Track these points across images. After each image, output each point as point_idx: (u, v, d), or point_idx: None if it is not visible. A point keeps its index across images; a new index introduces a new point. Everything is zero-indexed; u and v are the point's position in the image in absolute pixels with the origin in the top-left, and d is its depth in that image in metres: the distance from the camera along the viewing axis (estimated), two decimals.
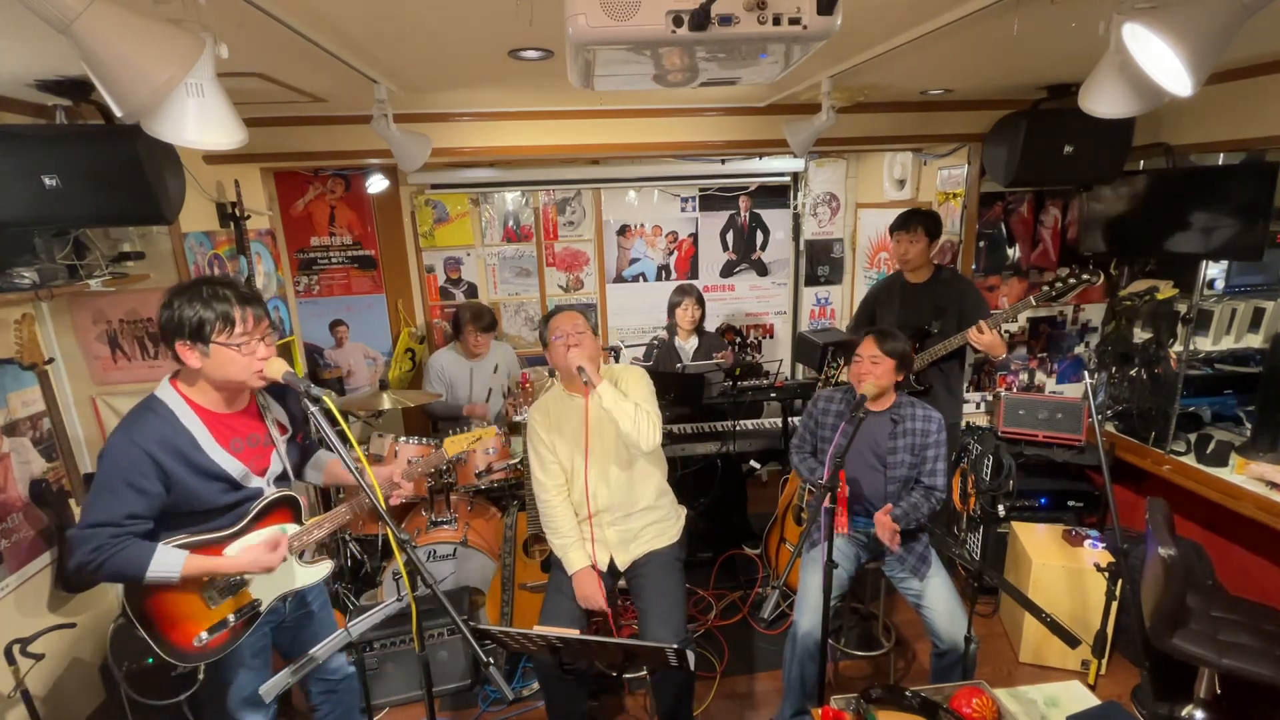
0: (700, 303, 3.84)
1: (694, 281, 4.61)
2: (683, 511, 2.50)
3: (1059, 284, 2.82)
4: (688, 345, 3.88)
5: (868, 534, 2.50)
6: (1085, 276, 2.77)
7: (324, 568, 1.92)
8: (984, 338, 2.80)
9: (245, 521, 1.76)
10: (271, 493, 1.81)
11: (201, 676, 2.06)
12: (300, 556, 1.89)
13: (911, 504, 2.40)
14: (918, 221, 3.08)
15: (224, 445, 1.70)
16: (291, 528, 1.84)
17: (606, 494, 2.31)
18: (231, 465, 1.71)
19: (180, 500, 1.65)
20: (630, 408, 2.17)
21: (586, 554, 2.32)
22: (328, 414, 1.58)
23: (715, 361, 3.73)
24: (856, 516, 2.53)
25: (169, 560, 1.61)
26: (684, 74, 1.45)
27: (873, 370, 2.41)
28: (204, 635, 1.72)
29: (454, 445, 2.35)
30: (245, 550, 1.72)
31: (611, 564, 2.35)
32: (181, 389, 1.69)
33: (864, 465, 2.50)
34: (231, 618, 1.76)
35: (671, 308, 3.88)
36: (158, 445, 1.59)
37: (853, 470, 2.49)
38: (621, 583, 2.41)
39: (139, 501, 1.57)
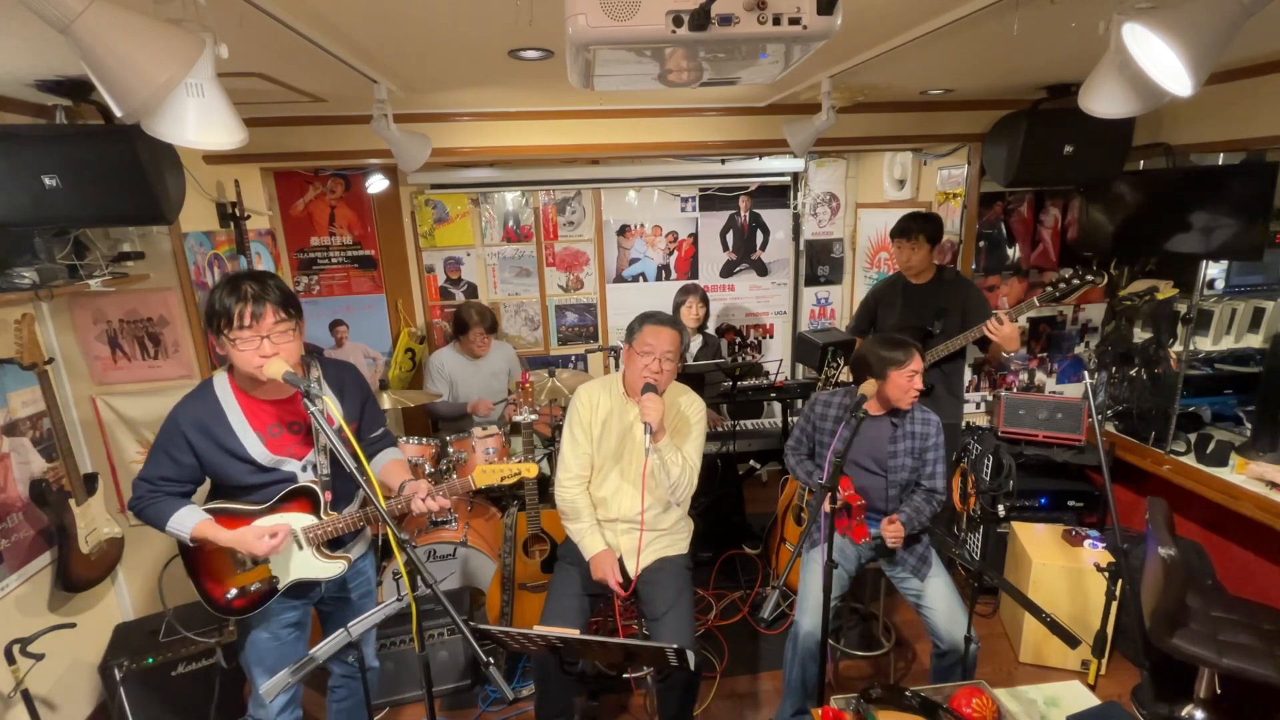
0: (704, 301, 3.85)
1: (697, 281, 4.61)
2: (691, 525, 2.51)
3: (1062, 284, 2.80)
4: (692, 344, 3.90)
5: (871, 534, 2.50)
6: (1089, 277, 2.75)
7: (338, 565, 1.94)
8: (1003, 329, 2.77)
9: (271, 503, 1.84)
10: (305, 479, 1.87)
11: (232, 628, 2.33)
12: (331, 547, 1.94)
13: (915, 508, 2.41)
14: (919, 229, 3.07)
15: (258, 429, 1.81)
16: (310, 519, 1.87)
17: (632, 508, 2.30)
18: (256, 449, 1.80)
19: (212, 474, 1.83)
20: (677, 469, 2.19)
21: (604, 539, 2.33)
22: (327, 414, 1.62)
23: (716, 361, 3.74)
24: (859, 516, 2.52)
25: (183, 521, 1.77)
26: (684, 74, 1.45)
27: (920, 384, 2.38)
28: (232, 593, 1.87)
29: (485, 476, 2.08)
30: (247, 531, 1.79)
31: (620, 567, 2.35)
32: (232, 373, 1.83)
33: (863, 470, 2.50)
34: (254, 586, 1.87)
35: (676, 307, 3.89)
36: (189, 422, 1.77)
37: (853, 474, 2.49)
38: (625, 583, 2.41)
39: (172, 468, 1.78)
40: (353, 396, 1.98)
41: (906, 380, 2.36)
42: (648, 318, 2.24)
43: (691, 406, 2.35)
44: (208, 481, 1.88)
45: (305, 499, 1.88)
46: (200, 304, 2.81)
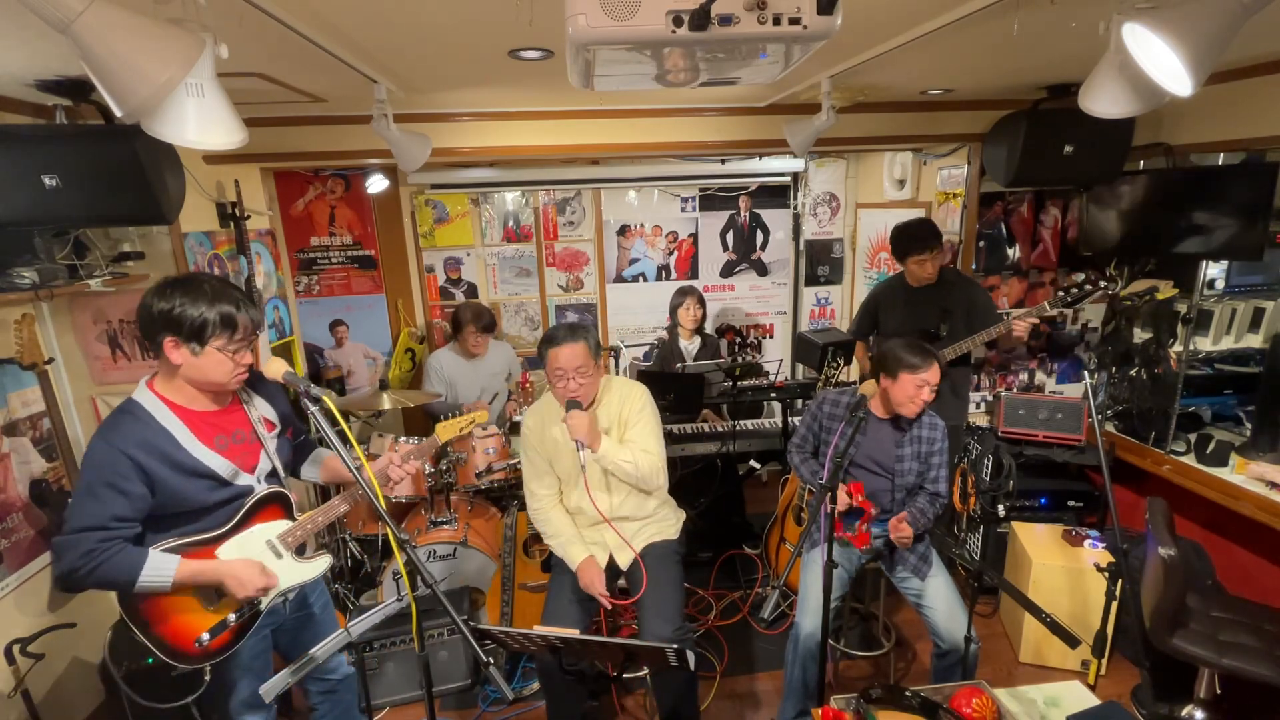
0: (701, 303, 3.85)
1: (694, 282, 4.61)
2: (681, 514, 2.51)
3: (1075, 290, 2.78)
4: (691, 346, 3.89)
5: (874, 537, 2.50)
6: (1103, 284, 2.74)
7: (321, 563, 1.91)
8: (1022, 324, 2.80)
9: (237, 519, 1.75)
10: (262, 489, 1.79)
11: (208, 678, 2.05)
12: (299, 552, 1.88)
13: (920, 509, 2.41)
14: (936, 239, 3.04)
15: (207, 443, 1.69)
16: (283, 524, 1.84)
17: (608, 506, 2.31)
18: (216, 462, 1.69)
19: (168, 501, 1.63)
20: (630, 466, 2.18)
21: (585, 547, 2.34)
22: (328, 414, 1.60)
23: (715, 361, 3.73)
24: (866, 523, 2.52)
25: (162, 567, 1.59)
26: (684, 74, 1.45)
27: (929, 399, 2.33)
28: (205, 637, 1.70)
29: (446, 430, 2.22)
30: (242, 565, 1.71)
31: (611, 564, 2.35)
32: (158, 389, 1.67)
33: (867, 472, 2.50)
34: (231, 618, 1.74)
35: (673, 308, 3.89)
36: (137, 447, 1.57)
37: (858, 477, 2.49)
38: (621, 582, 2.41)
39: (122, 504, 1.56)
40: (281, 403, 1.92)
41: (914, 388, 2.31)
42: (548, 340, 2.20)
43: (629, 400, 2.32)
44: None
45: (275, 505, 1.82)
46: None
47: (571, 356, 2.15)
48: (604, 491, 2.31)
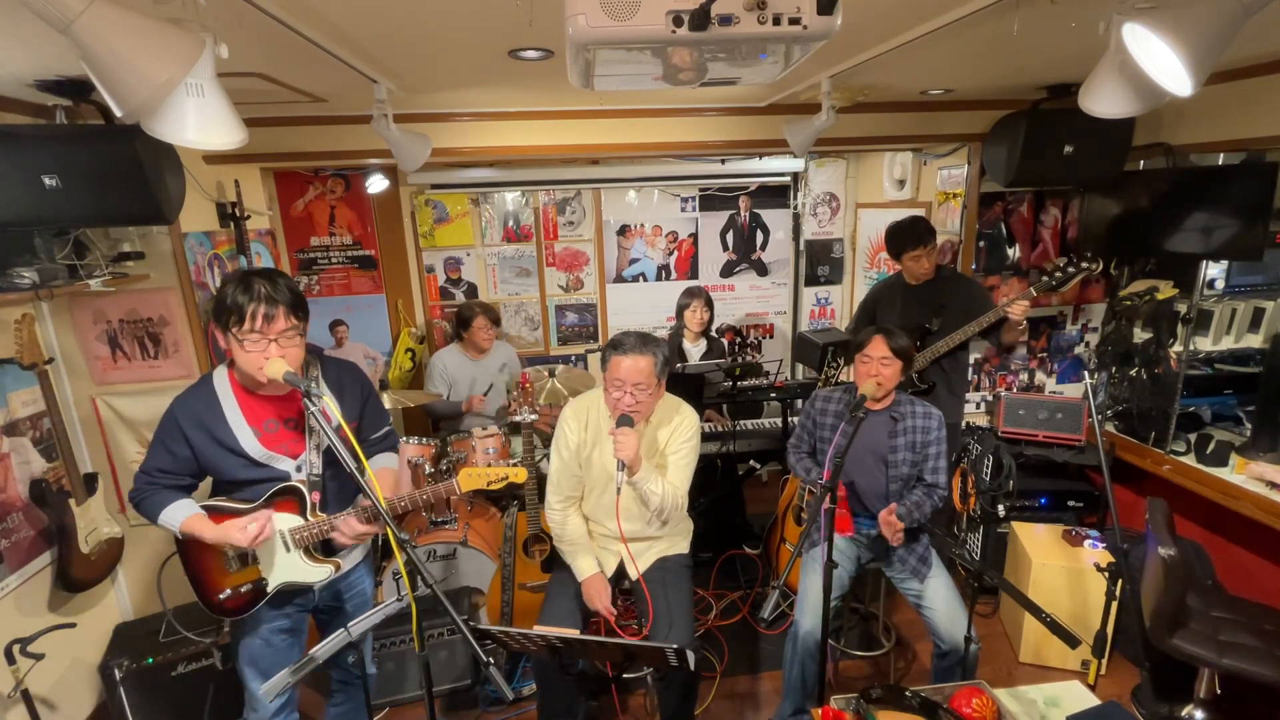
0: (709, 305, 3.84)
1: (702, 283, 4.61)
2: (690, 524, 2.50)
3: (1058, 273, 2.81)
4: (695, 349, 3.88)
5: (870, 535, 2.50)
6: (1084, 265, 2.76)
7: (323, 570, 1.92)
8: (1023, 304, 2.77)
9: (259, 501, 1.83)
10: (297, 479, 1.85)
11: (226, 628, 2.39)
12: (325, 551, 1.93)
13: (914, 502, 2.40)
14: (930, 235, 3.04)
15: (254, 424, 1.81)
16: (294, 520, 1.86)
17: (629, 524, 2.29)
18: (250, 444, 1.79)
19: (207, 468, 1.83)
20: (657, 499, 2.13)
21: (595, 561, 2.33)
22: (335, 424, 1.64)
23: (716, 361, 3.73)
24: (859, 518, 2.52)
25: (174, 515, 1.79)
26: (684, 74, 1.45)
27: (882, 371, 2.37)
28: (224, 593, 1.87)
29: (470, 480, 2.03)
30: (228, 527, 1.77)
31: (620, 570, 2.35)
32: (232, 369, 1.83)
33: (863, 465, 2.50)
34: (244, 587, 1.87)
35: (680, 310, 3.88)
36: (185, 415, 1.78)
37: (852, 470, 2.49)
38: (626, 584, 2.41)
39: (168, 460, 1.80)
40: (351, 397, 1.97)
41: (862, 366, 2.41)
42: (615, 345, 2.09)
43: (679, 430, 2.25)
44: (210, 479, 1.88)
45: (292, 499, 1.85)
46: (201, 304, 2.81)
47: (633, 370, 2.04)
48: (625, 514, 2.28)
